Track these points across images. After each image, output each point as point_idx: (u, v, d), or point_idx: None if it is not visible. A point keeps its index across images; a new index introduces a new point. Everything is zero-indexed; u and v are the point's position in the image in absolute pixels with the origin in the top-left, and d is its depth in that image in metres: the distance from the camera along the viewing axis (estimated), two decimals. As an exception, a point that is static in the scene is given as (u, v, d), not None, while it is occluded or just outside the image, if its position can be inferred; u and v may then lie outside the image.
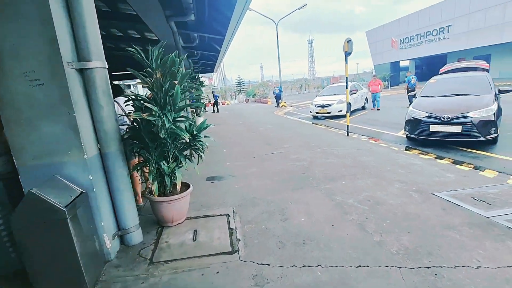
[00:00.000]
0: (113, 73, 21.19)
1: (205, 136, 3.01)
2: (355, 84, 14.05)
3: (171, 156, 2.75)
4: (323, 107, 12.43)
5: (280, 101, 20.83)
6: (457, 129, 5.83)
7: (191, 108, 12.61)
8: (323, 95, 13.77)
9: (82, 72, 2.27)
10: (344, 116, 12.43)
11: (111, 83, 2.99)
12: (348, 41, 7.42)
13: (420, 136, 6.34)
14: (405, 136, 7.40)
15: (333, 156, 5.67)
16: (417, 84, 13.93)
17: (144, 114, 2.30)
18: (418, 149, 6.10)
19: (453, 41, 29.29)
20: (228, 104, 33.37)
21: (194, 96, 2.56)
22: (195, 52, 17.29)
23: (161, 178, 2.77)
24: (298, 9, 20.30)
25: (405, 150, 6.10)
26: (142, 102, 2.49)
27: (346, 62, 7.64)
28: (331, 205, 3.38)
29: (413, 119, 6.54)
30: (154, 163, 2.61)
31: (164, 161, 2.65)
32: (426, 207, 3.27)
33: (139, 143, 2.60)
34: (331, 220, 3.01)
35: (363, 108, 14.28)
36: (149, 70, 2.47)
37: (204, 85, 12.74)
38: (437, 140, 6.12)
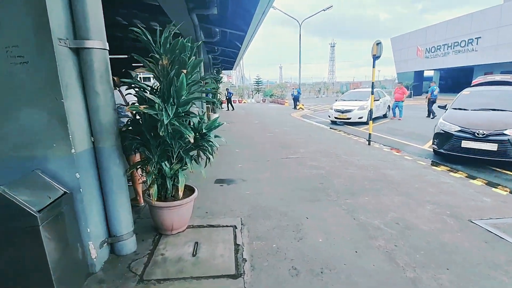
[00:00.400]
0: (133, 64, 21.42)
1: (216, 136, 2.64)
2: (378, 91, 13.37)
3: (175, 156, 2.41)
4: (342, 112, 11.87)
5: (297, 103, 20.32)
6: (492, 147, 5.25)
7: (207, 103, 12.36)
8: (343, 100, 13.19)
9: (77, 52, 1.95)
10: (364, 123, 11.94)
11: (124, 71, 2.69)
12: (377, 44, 6.90)
13: (450, 151, 5.76)
14: (431, 150, 6.81)
15: (353, 167, 5.19)
16: (438, 95, 13.26)
17: (141, 106, 1.96)
18: (446, 166, 5.53)
19: (481, 54, 27.83)
20: (244, 102, 33.11)
21: (210, 89, 2.24)
22: (216, 48, 17.09)
23: (162, 180, 2.43)
24: (323, 10, 19.73)
25: (432, 165, 5.55)
26: (144, 91, 2.15)
27: (373, 66, 7.12)
28: (353, 225, 2.93)
29: (443, 132, 5.96)
30: (155, 163, 2.26)
31: (166, 162, 2.30)
32: (465, 237, 2.78)
33: (140, 139, 2.26)
34: (354, 245, 2.57)
35: (385, 116, 13.60)
36: (155, 55, 2.12)
37: (222, 82, 12.44)
38: (468, 157, 5.53)
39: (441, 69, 35.46)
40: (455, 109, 6.65)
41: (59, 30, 1.78)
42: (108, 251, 2.28)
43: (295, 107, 20.32)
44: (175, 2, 7.89)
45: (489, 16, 26.32)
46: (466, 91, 7.25)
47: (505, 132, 5.15)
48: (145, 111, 1.96)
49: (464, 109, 6.43)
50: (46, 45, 1.71)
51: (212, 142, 2.49)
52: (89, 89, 2.00)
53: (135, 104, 2.00)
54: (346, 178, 4.50)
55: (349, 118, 11.69)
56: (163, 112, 1.92)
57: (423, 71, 37.68)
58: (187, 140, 2.20)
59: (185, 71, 2.03)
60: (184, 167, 2.47)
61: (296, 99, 20.42)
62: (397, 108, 13.02)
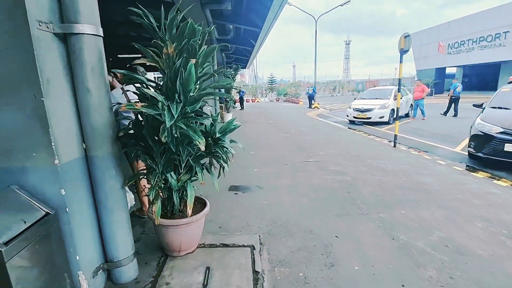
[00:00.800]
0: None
1: (231, 141, 2.24)
2: (400, 88, 12.62)
3: (183, 166, 2.02)
4: (362, 111, 11.24)
5: (313, 102, 19.72)
6: (542, 151, 4.63)
7: (220, 102, 12.04)
8: (363, 98, 12.53)
9: (64, 39, 1.59)
10: (386, 123, 11.25)
11: (129, 66, 2.33)
12: (405, 37, 6.31)
13: (491, 155, 5.13)
14: (465, 153, 6.19)
15: (381, 172, 4.67)
16: (460, 93, 12.62)
17: (138, 104, 1.57)
18: (486, 172, 4.92)
19: (510, 49, 26.17)
20: (258, 101, 32.70)
21: (225, 84, 1.88)
22: (229, 46, 16.75)
23: (168, 192, 2.05)
24: (340, 5, 19.00)
25: (470, 171, 4.95)
26: (144, 86, 1.76)
27: (400, 61, 6.53)
28: (394, 248, 2.46)
29: (482, 134, 5.33)
30: (159, 174, 1.88)
31: (172, 172, 1.92)
32: (535, 266, 2.26)
33: (143, 145, 1.88)
34: (399, 275, 2.10)
35: (407, 115, 12.83)
36: (159, 42, 1.74)
37: (235, 80, 12.06)
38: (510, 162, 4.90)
39: (465, 66, 33.73)
40: (493, 108, 5.98)
41: (39, 10, 1.42)
42: (104, 279, 1.92)
43: (310, 106, 19.73)
44: (188, -4, 7.57)
45: (519, 9, 24.68)
46: (506, 88, 6.54)
47: (557, 134, 4.53)
48: (144, 111, 1.58)
49: (505, 108, 5.77)
50: (21, 29, 1.36)
51: (227, 148, 2.09)
52: (78, 85, 1.64)
53: (131, 104, 1.62)
54: (375, 186, 4.00)
55: (369, 118, 11.06)
56: (166, 112, 1.53)
57: (445, 68, 35.99)
58: (196, 147, 1.81)
59: (194, 60, 1.63)
60: (194, 178, 2.09)
61: (311, 98, 19.82)
62: (418, 107, 12.28)
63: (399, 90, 6.87)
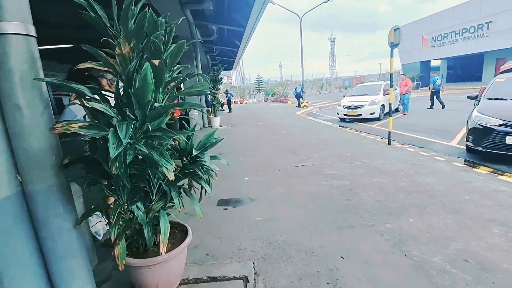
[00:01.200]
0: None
1: (213, 157, 1.87)
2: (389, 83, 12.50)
3: (155, 191, 1.64)
4: (352, 108, 11.05)
5: (301, 101, 19.51)
6: (547, 143, 4.45)
7: (206, 106, 11.62)
8: (352, 95, 12.35)
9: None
10: (377, 119, 11.09)
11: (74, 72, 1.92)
12: (395, 30, 6.08)
13: (491, 149, 4.92)
14: (462, 147, 6.01)
15: (380, 173, 4.39)
16: (443, 85, 12.95)
17: (74, 126, 1.17)
18: (487, 166, 4.71)
19: (493, 39, 26.64)
20: (246, 103, 32.35)
21: (200, 90, 1.59)
22: (214, 47, 16.35)
23: (139, 225, 1.67)
24: (324, 2, 18.84)
25: (471, 166, 4.73)
26: (97, 99, 1.37)
27: (391, 55, 6.30)
28: (408, 267, 2.14)
29: (480, 127, 5.12)
30: (123, 206, 1.50)
31: (140, 203, 1.53)
32: None
33: (99, 172, 1.49)
34: (419, 305, 1.79)
35: (396, 110, 12.68)
36: (111, 40, 1.36)
37: (222, 83, 11.67)
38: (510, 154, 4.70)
39: (448, 58, 34.28)
40: (490, 99, 5.80)
41: None
42: None
43: (299, 105, 19.51)
44: (166, -4, 7.15)
45: (499, -1, 25.13)
46: (500, 78, 6.37)
47: (560, 124, 4.35)
48: (82, 132, 1.20)
49: (502, 99, 5.59)
50: None
51: (208, 167, 1.72)
52: (4, 100, 1.25)
53: (68, 121, 1.21)
54: (376, 190, 3.70)
55: (360, 115, 10.88)
56: (110, 136, 1.14)
57: (429, 61, 36.53)
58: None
59: (157, 61, 1.25)
60: (169, 205, 1.71)
61: (299, 97, 19.60)
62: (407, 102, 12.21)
63: (391, 86, 6.64)
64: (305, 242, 2.50)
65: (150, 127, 1.28)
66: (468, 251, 2.31)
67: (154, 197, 1.65)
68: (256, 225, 2.88)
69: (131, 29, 1.33)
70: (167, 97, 1.51)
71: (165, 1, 7.40)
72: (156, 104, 1.38)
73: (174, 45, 1.54)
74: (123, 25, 1.33)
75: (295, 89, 20.18)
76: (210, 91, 11.72)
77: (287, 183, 4.13)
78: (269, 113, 16.90)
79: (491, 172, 4.41)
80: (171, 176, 1.25)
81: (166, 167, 1.24)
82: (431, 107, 12.84)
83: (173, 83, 1.57)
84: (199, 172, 1.65)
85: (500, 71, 7.76)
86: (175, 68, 1.56)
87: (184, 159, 1.63)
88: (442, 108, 12.54)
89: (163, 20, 1.45)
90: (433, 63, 38.08)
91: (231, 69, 28.98)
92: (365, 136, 7.83)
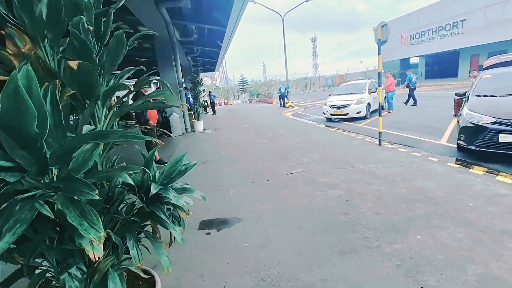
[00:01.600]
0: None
1: (182, 190, 1.43)
2: (374, 82, 12.43)
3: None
4: (339, 108, 10.85)
5: (286, 101, 19.24)
6: (542, 139, 4.32)
7: (189, 109, 11.07)
8: (338, 94, 12.17)
9: None
10: (363, 118, 10.93)
11: None
12: (382, 26, 5.84)
13: (484, 148, 4.76)
14: (452, 145, 5.88)
15: (375, 179, 4.09)
16: (418, 82, 13.53)
17: None
18: (481, 165, 4.56)
19: (467, 36, 27.52)
20: (230, 104, 31.83)
21: (160, 99, 1.25)
22: (194, 48, 15.79)
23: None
24: (306, 1, 18.67)
25: (465, 166, 4.57)
26: None
27: (379, 53, 6.06)
28: (426, 302, 1.81)
29: (472, 125, 4.96)
30: (56, 270, 1.04)
31: (79, 264, 1.08)
32: None
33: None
34: None
35: (382, 108, 12.61)
36: (13, 30, 0.90)
37: (202, 84, 11.16)
38: (506, 153, 4.57)
39: (426, 55, 35.18)
40: (478, 96, 5.66)
41: None
42: None
43: (284, 105, 19.24)
44: (137, -8, 6.60)
45: (473, -3, 25.95)
46: (486, 75, 6.28)
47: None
48: None
49: (491, 96, 5.46)
50: None
51: (175, 204, 1.28)
52: None
53: None
54: (374, 200, 3.39)
55: (347, 114, 10.69)
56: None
57: (408, 58, 37.35)
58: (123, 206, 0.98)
59: (75, 63, 0.81)
60: (124, 261, 1.27)
61: (283, 97, 19.33)
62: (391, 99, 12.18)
63: (380, 84, 6.40)
64: (304, 276, 2.11)
65: (57, 174, 0.83)
66: (490, 276, 2.00)
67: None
68: (245, 254, 2.46)
69: (40, 16, 0.88)
70: (111, 114, 1.08)
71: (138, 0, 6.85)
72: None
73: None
74: (25, 10, 0.87)
75: (279, 89, 19.90)
76: (191, 94, 11.19)
77: (278, 195, 3.75)
78: (254, 114, 16.51)
79: (487, 172, 4.23)
80: (93, 255, 0.81)
81: (93, 238, 0.78)
82: (415, 103, 12.93)
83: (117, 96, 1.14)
84: (161, 215, 1.21)
85: (484, 67, 7.77)
86: (119, 73, 1.12)
87: (139, 203, 1.19)
88: (414, 104, 12.86)
89: (89, 1, 1.00)
90: (412, 61, 38.99)
91: (214, 70, 28.41)
92: (354, 137, 7.59)
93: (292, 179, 4.33)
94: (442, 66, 35.90)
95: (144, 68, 1.50)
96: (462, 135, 5.19)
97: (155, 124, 6.07)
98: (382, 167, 4.65)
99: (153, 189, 1.16)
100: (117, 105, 1.14)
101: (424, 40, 32.80)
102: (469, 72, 11.77)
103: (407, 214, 2.97)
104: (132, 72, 1.23)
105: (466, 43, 27.76)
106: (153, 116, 5.85)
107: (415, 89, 12.99)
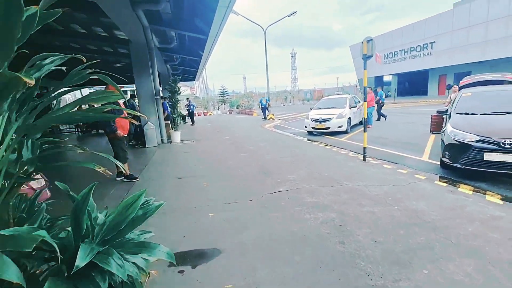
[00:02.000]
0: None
1: (139, 244, 1.00)
2: (354, 97, 12.59)
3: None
4: (320, 122, 10.78)
5: (267, 113, 19.10)
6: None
7: (165, 119, 10.48)
8: (319, 108, 12.15)
9: None
10: (344, 132, 10.90)
11: None
12: (368, 41, 5.78)
13: (469, 166, 4.71)
14: (434, 162, 5.88)
15: (367, 200, 3.83)
16: (392, 99, 14.40)
17: None
18: (466, 184, 4.51)
19: (436, 58, 29.39)
20: (210, 115, 31.29)
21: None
22: (174, 56, 15.30)
23: None
24: (287, 16, 18.93)
25: (452, 185, 4.47)
26: None
27: (364, 68, 5.98)
28: None
29: (457, 143, 4.91)
30: None
31: None
32: None
33: None
34: None
35: (361, 123, 12.74)
36: None
37: (179, 93, 10.65)
38: (490, 172, 4.54)
39: (398, 74, 37.04)
40: (460, 113, 5.70)
41: None
42: None
43: (265, 118, 19.07)
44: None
45: (442, 21, 27.86)
46: (466, 93, 6.38)
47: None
48: None
49: (473, 114, 5.50)
50: None
51: (118, 276, 0.85)
52: None
53: None
54: (370, 225, 3.08)
55: (328, 128, 10.64)
56: None
57: (382, 76, 39.14)
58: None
59: None
60: None
61: (265, 109, 19.20)
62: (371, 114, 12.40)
63: (365, 99, 6.28)
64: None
65: None
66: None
67: None
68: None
69: None
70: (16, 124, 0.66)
71: (113, 1, 6.35)
72: None
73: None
74: None
75: (260, 101, 19.76)
76: (168, 103, 10.62)
77: (264, 219, 3.34)
78: (235, 126, 16.14)
79: (474, 191, 4.14)
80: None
81: None
82: (379, 119, 13.58)
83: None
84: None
85: (460, 85, 8.03)
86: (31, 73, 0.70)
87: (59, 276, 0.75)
88: (381, 119, 13.55)
89: None
90: (386, 79, 40.91)
91: (194, 80, 27.88)
92: (337, 152, 7.41)
93: (278, 199, 3.96)
94: (413, 84, 37.94)
95: (84, 59, 1.09)
96: (446, 152, 5.13)
97: (125, 135, 5.48)
98: (371, 186, 4.42)
99: (80, 261, 0.70)
100: (25, 112, 0.72)
101: (397, 59, 34.58)
102: (448, 86, 12.29)
103: (407, 243, 2.68)
104: (56, 60, 0.82)
105: (435, 63, 29.57)
106: (123, 125, 5.26)
107: (382, 106, 13.53)
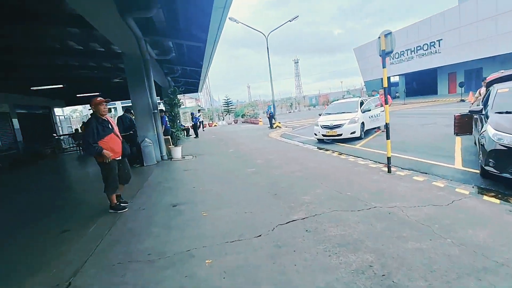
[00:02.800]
0: (77, 95, 18.26)
1: None
2: (370, 100, 11.74)
3: None
4: (331, 128, 9.97)
5: (274, 122, 18.37)
6: None
7: (165, 136, 9.83)
8: (329, 113, 11.34)
9: None
10: (358, 138, 10.01)
11: None
12: (386, 35, 5.02)
13: (525, 176, 3.86)
14: (470, 170, 5.17)
15: (408, 229, 2.99)
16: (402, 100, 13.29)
17: None
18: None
19: (444, 55, 28.38)
20: (215, 125, 30.74)
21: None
22: (175, 68, 14.79)
23: None
24: (289, 21, 18.39)
25: (507, 201, 3.62)
26: None
27: (383, 66, 5.21)
28: None
29: (505, 148, 4.07)
30: None
31: None
32: None
33: None
34: None
35: (379, 128, 11.77)
36: None
37: (180, 105, 10.01)
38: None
39: (406, 74, 36.05)
40: (501, 113, 4.85)
41: None
42: None
43: (271, 126, 18.33)
44: (98, 3, 5.52)
45: (448, 18, 26.99)
46: (502, 89, 5.52)
47: None
48: None
49: (516, 112, 4.65)
50: None
51: None
52: None
53: None
54: (424, 273, 2.24)
55: (340, 135, 9.80)
56: None
57: (389, 77, 38.14)
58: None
59: None
60: None
61: (271, 117, 18.48)
62: None
63: (386, 102, 5.47)
64: None
65: None
66: None
67: None
68: None
69: None
70: None
71: (100, 12, 5.76)
72: None
73: None
74: None
75: (268, 109, 19.05)
76: (167, 116, 9.98)
77: (277, 268, 2.52)
78: (240, 136, 15.42)
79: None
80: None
81: None
82: None
83: None
84: None
85: (488, 81, 7.20)
86: None
87: None
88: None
89: None
90: (393, 79, 39.90)
91: (197, 91, 27.45)
92: (354, 162, 6.57)
93: (293, 233, 3.14)
94: (422, 84, 36.84)
95: None
96: (491, 160, 4.28)
97: (119, 158, 4.35)
98: (408, 207, 3.58)
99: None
100: None
101: (404, 59, 33.66)
102: (461, 84, 11.36)
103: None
104: None
105: (443, 61, 28.55)
106: (112, 148, 4.17)
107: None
